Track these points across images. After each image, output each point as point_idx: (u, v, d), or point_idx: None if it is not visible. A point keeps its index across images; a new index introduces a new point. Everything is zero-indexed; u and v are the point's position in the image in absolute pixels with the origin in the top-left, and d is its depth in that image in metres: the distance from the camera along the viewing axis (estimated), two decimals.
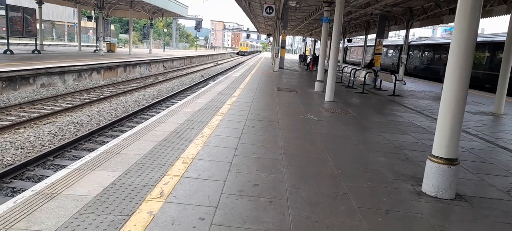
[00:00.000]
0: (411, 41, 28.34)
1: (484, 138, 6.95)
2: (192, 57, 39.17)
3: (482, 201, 3.75)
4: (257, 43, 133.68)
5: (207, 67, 34.44)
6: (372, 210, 3.31)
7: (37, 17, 22.67)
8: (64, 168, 3.88)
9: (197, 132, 5.68)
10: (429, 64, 25.77)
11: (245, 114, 7.56)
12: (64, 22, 54.98)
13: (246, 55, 78.71)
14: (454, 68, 3.50)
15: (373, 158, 5.06)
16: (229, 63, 44.81)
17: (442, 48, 23.57)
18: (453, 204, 3.61)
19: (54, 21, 53.95)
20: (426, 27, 36.60)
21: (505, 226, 3.22)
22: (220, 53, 63.00)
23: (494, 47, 18.47)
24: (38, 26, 23.10)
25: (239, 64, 38.18)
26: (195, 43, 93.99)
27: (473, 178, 4.50)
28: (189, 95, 10.39)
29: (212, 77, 23.61)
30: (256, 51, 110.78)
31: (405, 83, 18.99)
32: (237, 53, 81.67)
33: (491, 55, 18.81)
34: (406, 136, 6.70)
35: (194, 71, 28.21)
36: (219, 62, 46.46)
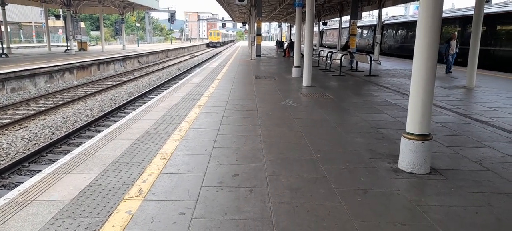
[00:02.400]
0: (384, 21, 28.74)
1: (457, 112, 7.16)
2: (168, 50, 38.55)
3: (456, 173, 3.87)
4: (233, 32, 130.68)
5: (184, 60, 34.01)
6: (351, 191, 3.37)
7: (1, 19, 21.73)
8: (38, 173, 3.77)
9: (175, 127, 5.61)
10: (403, 42, 26.26)
11: (224, 105, 7.52)
12: (32, 22, 52.87)
13: (219, 46, 67.53)
14: (422, 45, 3.57)
15: (351, 139, 5.14)
16: (205, 54, 44.35)
17: (415, 26, 24.00)
18: (428, 178, 3.71)
19: (20, 22, 51.84)
20: (399, 5, 37.16)
21: (477, 195, 3.34)
22: (196, 45, 62.12)
23: (464, 21, 18.95)
24: (3, 28, 22.15)
25: (216, 55, 37.86)
26: (170, 36, 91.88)
27: (447, 151, 4.64)
28: (166, 90, 10.24)
29: (189, 70, 23.34)
30: (230, 41, 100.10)
31: (380, 63, 19.31)
32: (207, 45, 68.27)
33: (461, 29, 19.30)
34: (383, 115, 6.83)
35: (171, 65, 27.81)
36: (196, 54, 45.94)
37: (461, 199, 3.26)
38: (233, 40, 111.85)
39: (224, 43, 78.60)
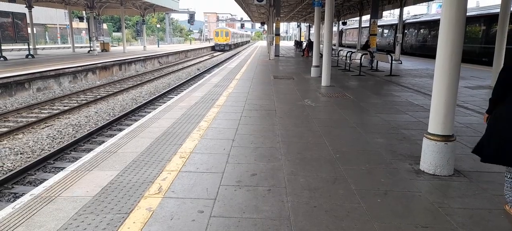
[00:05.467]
0: (406, 20, 28.18)
1: (482, 112, 6.94)
2: (187, 51, 38.98)
3: (481, 175, 3.76)
4: (250, 32, 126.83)
5: (203, 60, 34.30)
6: (370, 192, 3.32)
7: (28, 21, 22.46)
8: (62, 170, 3.88)
9: (194, 126, 5.67)
10: (425, 41, 25.67)
11: (242, 104, 7.55)
12: (56, 24, 54.48)
13: (228, 50, 51.68)
14: (445, 43, 3.48)
15: (371, 139, 5.06)
16: (224, 54, 44.59)
17: (437, 25, 23.44)
18: (451, 180, 3.61)
19: (46, 24, 53.49)
20: (421, 4, 36.37)
21: (503, 198, 3.22)
22: None
23: (489, 20, 18.37)
24: (29, 30, 22.89)
25: (234, 55, 38.03)
26: (189, 36, 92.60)
27: (471, 153, 4.50)
28: (185, 90, 10.37)
29: (208, 70, 23.52)
30: (244, 42, 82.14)
31: (401, 63, 18.95)
32: (213, 48, 52.51)
33: (486, 28, 18.72)
34: (404, 115, 6.69)
35: (190, 65, 28.10)
36: (215, 54, 46.24)
37: (486, 201, 3.16)
38: (248, 41, 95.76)
39: (236, 45, 61.54)
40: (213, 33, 56.78)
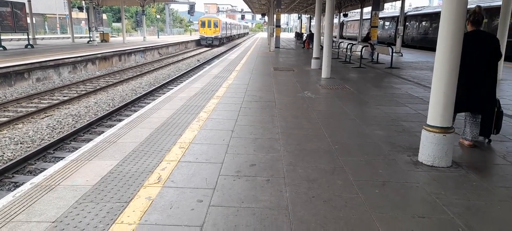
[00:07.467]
0: (407, 12, 28.04)
1: None
2: (187, 42, 38.82)
3: (478, 167, 3.77)
4: (251, 23, 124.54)
5: (203, 51, 34.19)
6: (369, 182, 3.34)
7: (27, 11, 22.35)
8: (62, 159, 3.89)
9: (194, 117, 5.68)
10: (427, 34, 25.58)
11: (242, 96, 7.55)
12: (56, 14, 54.22)
13: (217, 45, 40.28)
14: (446, 35, 3.47)
15: (370, 131, 5.07)
16: (225, 46, 44.44)
17: (439, 17, 23.33)
18: (449, 171, 3.63)
19: (45, 14, 53.19)
20: None
21: (500, 190, 3.25)
22: None
23: (491, 12, 18.28)
24: (29, 20, 22.79)
25: (234, 46, 37.89)
26: (190, 27, 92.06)
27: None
28: (185, 81, 10.36)
29: (208, 61, 23.47)
30: (241, 35, 69.96)
31: (402, 55, 18.91)
32: (198, 43, 40.76)
33: (488, 20, 18.63)
34: (403, 108, 6.70)
35: (190, 57, 28.02)
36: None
37: (483, 193, 3.18)
38: (246, 34, 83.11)
39: (229, 39, 50.20)
40: (198, 23, 42.96)
